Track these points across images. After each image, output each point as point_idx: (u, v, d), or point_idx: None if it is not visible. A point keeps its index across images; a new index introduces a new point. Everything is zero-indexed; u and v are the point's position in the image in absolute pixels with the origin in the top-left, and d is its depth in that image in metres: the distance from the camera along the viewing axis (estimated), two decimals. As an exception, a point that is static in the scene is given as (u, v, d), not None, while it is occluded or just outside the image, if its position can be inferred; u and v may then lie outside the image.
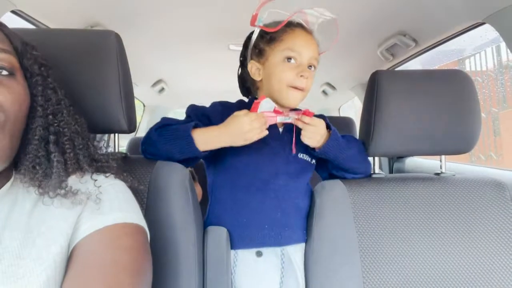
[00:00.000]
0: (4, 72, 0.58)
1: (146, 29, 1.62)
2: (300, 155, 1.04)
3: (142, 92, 2.66)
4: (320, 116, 1.06)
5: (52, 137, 0.63)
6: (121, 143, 1.01)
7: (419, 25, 1.45)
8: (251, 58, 1.04)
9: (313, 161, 1.08)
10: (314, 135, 0.96)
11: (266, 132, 0.92)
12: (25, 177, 0.60)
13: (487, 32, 1.40)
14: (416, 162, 2.05)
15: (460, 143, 1.03)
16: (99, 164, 0.69)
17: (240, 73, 1.13)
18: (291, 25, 0.99)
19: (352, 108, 3.34)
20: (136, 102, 2.96)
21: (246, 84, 1.12)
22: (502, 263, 0.94)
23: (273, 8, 0.97)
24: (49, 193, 0.59)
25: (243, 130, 0.89)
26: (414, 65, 1.84)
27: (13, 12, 1.17)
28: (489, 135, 4.37)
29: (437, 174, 1.10)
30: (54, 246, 0.56)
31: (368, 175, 1.09)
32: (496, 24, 1.10)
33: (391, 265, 0.93)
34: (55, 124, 0.64)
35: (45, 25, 1.30)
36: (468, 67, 4.52)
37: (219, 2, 1.36)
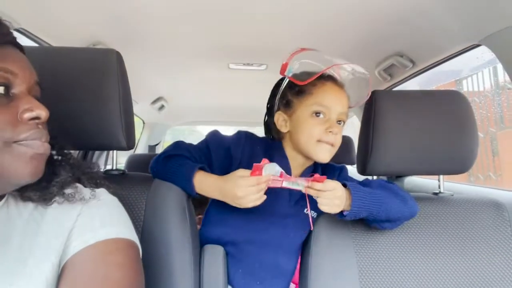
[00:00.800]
0: None
1: (147, 48, 1.64)
2: (307, 211, 0.99)
3: (141, 109, 2.67)
4: (331, 167, 1.05)
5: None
6: (120, 160, 1.01)
7: (416, 47, 1.47)
8: (278, 109, 1.00)
9: (315, 215, 1.01)
10: (331, 201, 0.83)
11: (264, 198, 0.83)
12: (25, 190, 0.60)
13: (483, 53, 1.42)
14: (414, 182, 2.05)
15: (457, 163, 1.03)
16: (88, 173, 0.69)
17: (266, 120, 1.08)
18: (321, 78, 0.94)
19: (351, 127, 3.35)
20: (136, 119, 2.98)
21: (271, 132, 1.06)
22: (500, 284, 0.93)
23: (304, 58, 0.93)
24: (46, 200, 0.60)
25: (236, 195, 0.81)
26: (412, 85, 1.85)
27: (16, 30, 1.18)
28: (487, 155, 4.38)
29: (436, 193, 1.10)
30: (46, 263, 0.56)
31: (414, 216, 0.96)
32: (492, 45, 1.12)
33: (390, 284, 0.92)
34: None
35: (48, 43, 1.32)
36: (466, 87, 4.57)
37: (219, 22, 1.39)
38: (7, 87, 0.55)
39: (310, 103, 0.93)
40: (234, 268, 0.98)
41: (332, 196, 0.83)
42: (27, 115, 0.55)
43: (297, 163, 1.01)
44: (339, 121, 0.96)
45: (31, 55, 0.68)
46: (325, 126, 0.92)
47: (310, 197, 0.88)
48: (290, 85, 0.97)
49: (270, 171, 0.83)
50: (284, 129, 0.99)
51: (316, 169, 1.05)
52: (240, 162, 0.96)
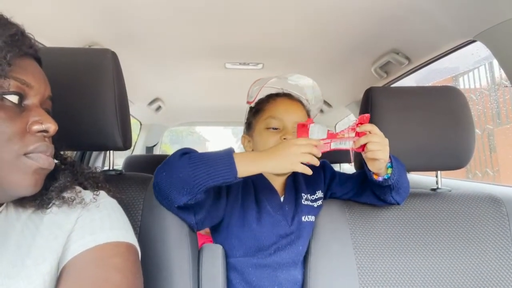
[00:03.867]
0: None
1: (143, 48, 1.64)
2: (305, 218, 0.99)
3: (138, 110, 2.67)
4: (311, 167, 1.06)
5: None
6: (119, 162, 1.01)
7: (412, 43, 1.47)
8: (244, 132, 1.08)
9: (313, 218, 1.02)
10: (383, 146, 0.82)
11: (317, 162, 0.79)
12: (23, 199, 0.59)
13: (479, 49, 1.42)
14: (412, 179, 2.05)
15: (455, 158, 1.03)
16: (89, 176, 0.69)
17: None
18: (275, 96, 1.04)
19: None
20: (133, 120, 2.96)
21: None
22: (498, 278, 0.94)
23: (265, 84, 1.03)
24: (44, 205, 0.60)
25: (293, 161, 0.78)
26: (408, 83, 1.86)
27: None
28: (485, 151, 4.39)
29: (433, 189, 1.10)
30: (44, 265, 0.56)
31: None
32: (487, 41, 1.12)
33: (388, 280, 0.92)
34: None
35: (42, 44, 1.31)
36: (462, 85, 4.58)
37: (215, 22, 1.39)
38: (21, 98, 0.56)
39: (263, 118, 1.00)
40: None
41: (382, 140, 0.82)
42: (36, 127, 0.56)
43: (276, 180, 1.03)
44: None
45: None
46: (280, 135, 0.96)
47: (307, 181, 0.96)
48: (251, 109, 1.07)
49: (317, 131, 0.82)
50: (248, 149, 1.05)
51: (296, 177, 1.05)
52: (229, 198, 0.96)
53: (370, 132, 0.81)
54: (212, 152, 0.80)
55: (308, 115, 1.05)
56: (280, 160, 0.78)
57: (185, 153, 0.81)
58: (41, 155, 0.56)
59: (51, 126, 0.57)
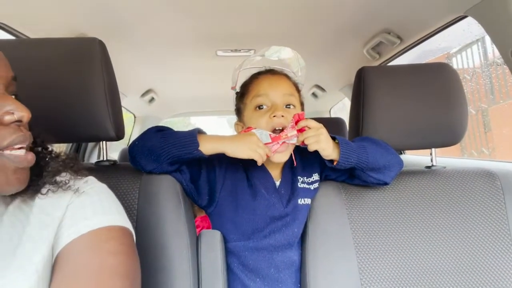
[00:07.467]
0: None
1: (133, 39, 1.62)
2: (301, 201, 1.00)
3: (131, 103, 2.65)
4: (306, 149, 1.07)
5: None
6: (114, 155, 1.00)
7: (403, 22, 1.46)
8: (237, 120, 1.07)
9: (309, 201, 1.02)
10: (317, 138, 0.88)
11: (265, 158, 0.90)
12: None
13: (470, 25, 1.42)
14: (407, 159, 2.06)
15: (449, 135, 1.03)
16: (75, 166, 0.67)
17: None
18: (257, 74, 1.03)
19: (343, 110, 3.35)
20: (127, 114, 2.94)
21: None
22: (494, 252, 0.95)
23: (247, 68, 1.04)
24: (38, 191, 0.58)
25: (251, 147, 0.88)
26: (401, 63, 1.85)
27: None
28: (480, 131, 4.42)
29: (428, 167, 1.10)
30: (36, 255, 0.55)
31: (401, 167, 1.00)
32: (478, 16, 1.11)
33: (386, 258, 0.93)
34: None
35: (26, 36, 1.29)
36: (455, 65, 4.58)
37: (205, 10, 1.37)
38: None
39: (250, 99, 1.00)
40: (251, 281, 0.97)
41: (316, 133, 0.88)
42: (8, 118, 0.51)
43: (272, 164, 1.01)
44: (288, 105, 0.98)
45: (9, 48, 0.67)
46: (269, 114, 0.95)
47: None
48: (237, 94, 1.07)
49: (259, 135, 0.90)
50: None
51: (293, 163, 1.04)
52: (223, 182, 0.98)
53: (308, 127, 0.88)
54: (182, 131, 0.90)
55: (297, 87, 1.04)
56: (240, 145, 0.88)
57: (160, 130, 0.91)
58: (19, 155, 0.52)
59: (24, 115, 0.52)
